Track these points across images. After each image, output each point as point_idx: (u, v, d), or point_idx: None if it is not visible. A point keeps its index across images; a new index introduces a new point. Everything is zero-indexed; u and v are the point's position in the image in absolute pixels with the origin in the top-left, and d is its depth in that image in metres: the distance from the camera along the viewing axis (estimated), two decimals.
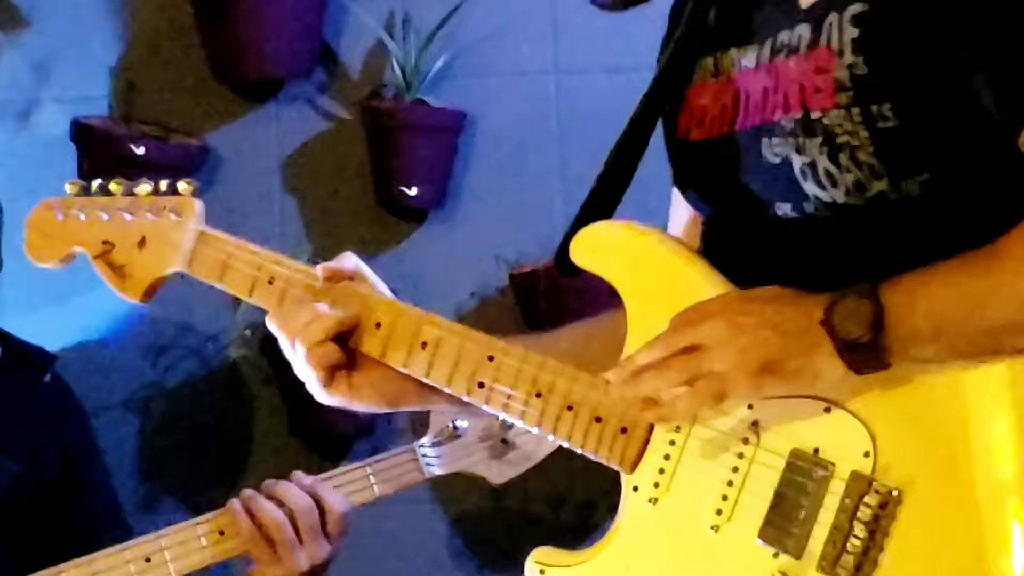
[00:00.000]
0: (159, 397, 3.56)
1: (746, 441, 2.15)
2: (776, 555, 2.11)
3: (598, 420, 2.21)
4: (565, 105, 3.58)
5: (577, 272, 2.21)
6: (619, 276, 2.22)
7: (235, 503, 2.91)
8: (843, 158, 2.07)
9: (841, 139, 2.07)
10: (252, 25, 3.64)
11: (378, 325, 2.28)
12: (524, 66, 3.80)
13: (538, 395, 2.22)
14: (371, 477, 2.99)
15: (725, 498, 2.15)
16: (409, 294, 2.64)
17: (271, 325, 2.30)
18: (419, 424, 3.06)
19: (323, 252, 3.53)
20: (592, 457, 2.20)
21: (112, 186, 2.43)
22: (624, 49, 3.37)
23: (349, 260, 2.32)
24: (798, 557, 2.10)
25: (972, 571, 2.05)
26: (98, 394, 3.46)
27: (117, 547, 2.90)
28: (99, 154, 3.62)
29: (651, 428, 2.20)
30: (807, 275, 2.09)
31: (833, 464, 2.11)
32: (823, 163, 2.08)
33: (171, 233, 2.41)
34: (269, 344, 3.24)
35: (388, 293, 2.33)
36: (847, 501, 2.08)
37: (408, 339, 2.27)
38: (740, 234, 2.22)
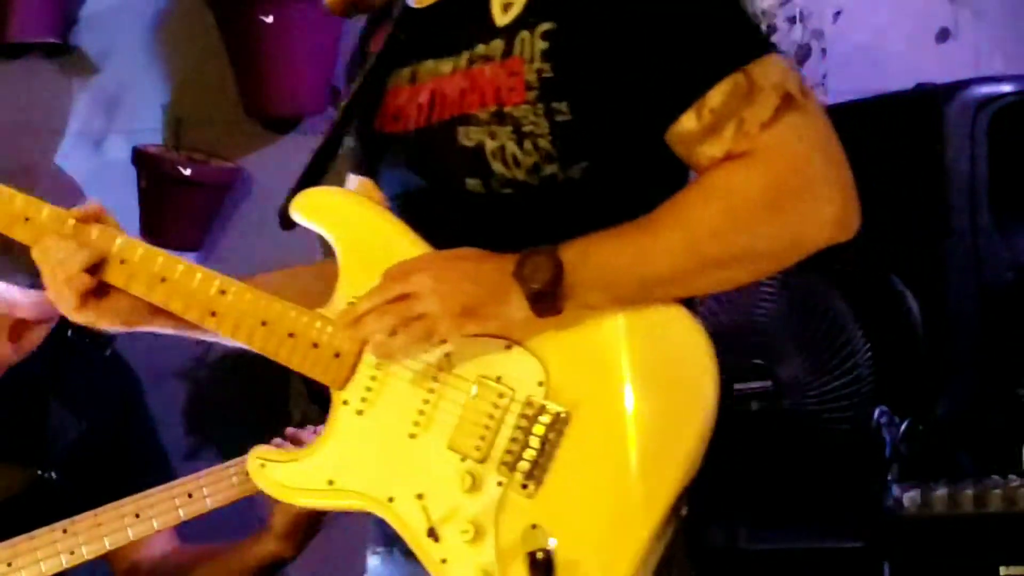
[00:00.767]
0: (203, 368, 3.76)
1: (440, 368, 2.34)
2: (463, 459, 2.33)
3: (315, 346, 2.38)
4: None
5: (293, 226, 2.41)
6: (335, 232, 2.40)
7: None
8: (527, 144, 2.30)
9: (526, 128, 2.30)
10: (274, 69, 3.91)
11: (122, 261, 2.43)
12: None
13: (264, 323, 2.38)
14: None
15: (422, 413, 2.34)
16: None
17: (35, 257, 2.46)
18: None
19: None
20: (307, 376, 2.41)
21: None
22: None
23: (94, 204, 2.49)
24: (482, 461, 2.31)
25: (621, 477, 2.28)
26: (151, 366, 3.62)
27: (166, 485, 3.18)
28: (154, 175, 3.93)
29: (359, 354, 2.37)
30: (490, 242, 2.32)
31: (513, 389, 2.32)
32: (511, 147, 2.31)
33: None
34: None
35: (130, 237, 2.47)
36: (524, 420, 2.30)
37: (149, 274, 2.42)
38: (434, 208, 2.40)
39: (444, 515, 2.31)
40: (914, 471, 3.08)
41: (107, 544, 3.13)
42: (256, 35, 3.88)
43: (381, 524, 2.40)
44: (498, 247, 2.29)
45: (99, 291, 2.43)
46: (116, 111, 4.06)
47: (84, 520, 3.13)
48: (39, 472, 3.28)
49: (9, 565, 3.15)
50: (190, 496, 3.15)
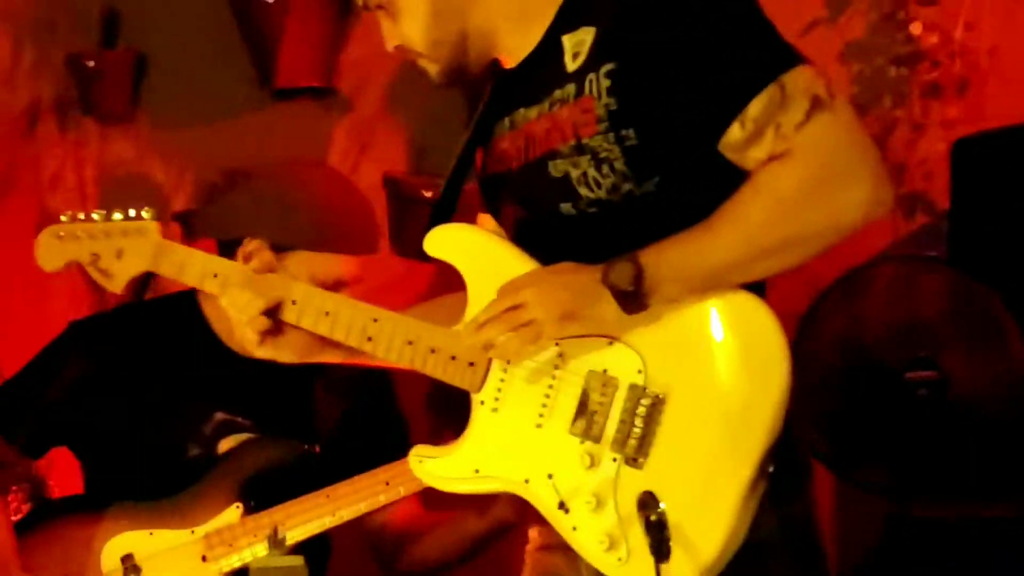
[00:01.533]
0: None
1: (556, 367, 2.45)
2: (582, 441, 2.44)
3: (453, 359, 2.51)
4: None
5: (430, 259, 2.53)
6: (460, 261, 2.52)
7: None
8: (604, 168, 2.40)
9: (602, 155, 2.40)
10: None
11: (293, 302, 2.57)
12: None
13: (409, 343, 2.51)
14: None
15: (544, 405, 2.47)
16: None
17: (222, 304, 2.60)
18: None
19: None
20: (448, 382, 2.52)
21: (94, 215, 2.71)
22: None
23: (267, 256, 2.63)
24: (598, 441, 2.42)
25: (714, 444, 2.39)
26: None
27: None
28: (400, 197, 4.10)
29: (490, 362, 2.48)
30: (585, 254, 2.42)
31: (617, 378, 2.43)
32: (592, 172, 2.42)
33: (140, 246, 2.67)
34: None
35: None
36: (628, 404, 2.41)
37: (315, 311, 2.56)
38: (538, 230, 2.51)
39: (571, 490, 2.43)
40: None
41: (363, 508, 3.23)
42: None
43: None
44: (593, 258, 2.39)
45: (276, 330, 2.58)
46: (368, 143, 4.25)
47: (343, 487, 3.24)
48: (305, 446, 3.36)
49: (283, 525, 3.22)
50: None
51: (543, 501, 2.45)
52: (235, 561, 3.25)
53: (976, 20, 3.82)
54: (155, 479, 3.33)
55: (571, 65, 2.43)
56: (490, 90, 2.58)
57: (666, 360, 2.43)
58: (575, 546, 2.42)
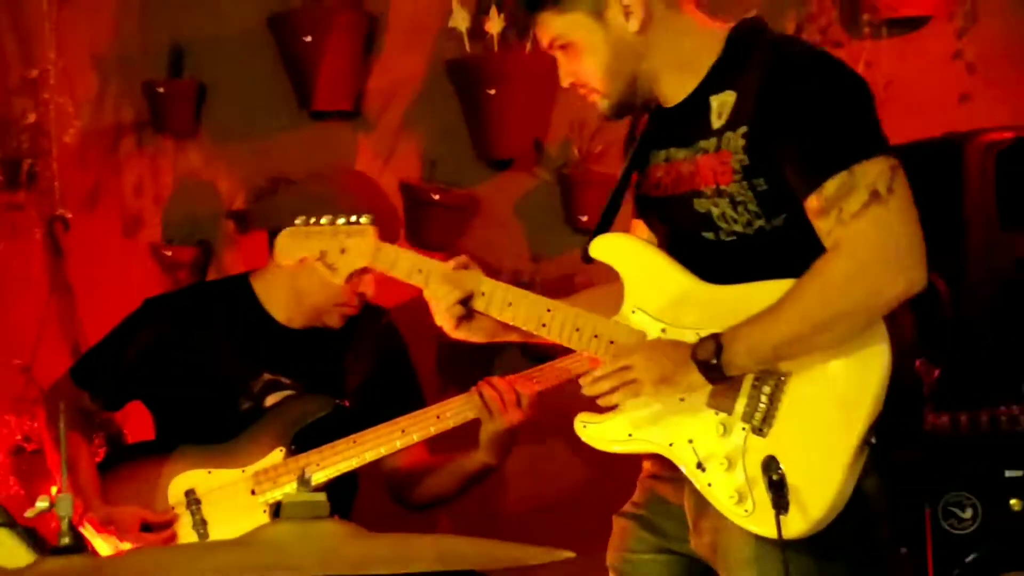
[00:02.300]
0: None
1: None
2: (717, 413, 2.58)
3: (611, 343, 2.65)
4: None
5: (591, 261, 2.66)
6: (619, 264, 2.65)
7: (476, 388, 3.47)
8: (740, 209, 2.56)
9: (739, 199, 2.56)
10: (496, 127, 4.28)
11: (483, 293, 2.70)
12: None
13: (577, 330, 2.65)
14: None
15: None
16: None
17: (426, 296, 2.72)
18: None
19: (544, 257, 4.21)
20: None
21: (323, 220, 2.79)
22: None
23: (463, 257, 2.75)
24: (730, 414, 2.56)
25: (827, 417, 2.52)
26: (412, 332, 3.81)
27: (422, 411, 3.54)
28: (414, 199, 4.35)
29: None
30: (723, 272, 2.57)
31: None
32: (729, 212, 2.57)
33: (360, 245, 2.77)
34: None
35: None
36: (756, 381, 2.57)
37: (500, 301, 2.68)
38: (683, 247, 2.65)
39: (707, 453, 2.56)
40: None
41: (383, 451, 3.48)
42: (483, 102, 4.26)
43: None
44: (730, 276, 2.56)
45: (468, 316, 2.72)
46: (388, 156, 4.45)
47: (367, 434, 3.51)
48: (336, 401, 3.57)
49: (318, 465, 3.48)
50: (438, 418, 3.52)
51: (684, 461, 2.57)
52: (278, 495, 3.48)
53: (875, 59, 4.10)
54: (213, 428, 3.58)
55: (715, 122, 2.56)
56: (648, 124, 2.70)
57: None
58: (710, 499, 2.56)
